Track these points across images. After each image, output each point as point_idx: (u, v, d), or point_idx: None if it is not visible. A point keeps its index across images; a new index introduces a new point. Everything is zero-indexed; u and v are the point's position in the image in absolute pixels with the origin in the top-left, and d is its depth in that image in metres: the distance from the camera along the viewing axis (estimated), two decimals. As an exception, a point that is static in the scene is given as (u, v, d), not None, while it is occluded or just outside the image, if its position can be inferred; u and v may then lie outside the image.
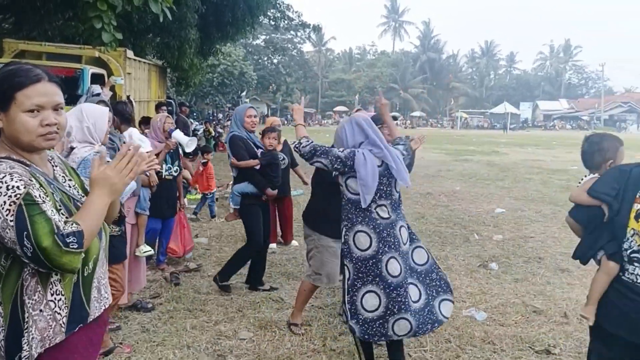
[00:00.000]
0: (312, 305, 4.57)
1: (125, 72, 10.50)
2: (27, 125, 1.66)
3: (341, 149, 3.32)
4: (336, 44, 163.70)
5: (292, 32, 36.83)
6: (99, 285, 1.86)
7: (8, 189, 1.54)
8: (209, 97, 41.74)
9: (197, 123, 19.95)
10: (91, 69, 9.40)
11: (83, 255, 1.64)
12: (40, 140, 1.69)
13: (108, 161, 1.87)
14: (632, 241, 2.31)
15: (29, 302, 1.64)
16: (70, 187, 1.88)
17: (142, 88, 12.54)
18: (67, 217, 1.66)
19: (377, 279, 3.15)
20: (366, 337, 3.22)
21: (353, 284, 3.21)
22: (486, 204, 10.03)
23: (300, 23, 21.49)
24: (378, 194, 3.21)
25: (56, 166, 1.89)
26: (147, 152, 4.91)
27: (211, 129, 17.94)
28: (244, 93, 48.76)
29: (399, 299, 3.13)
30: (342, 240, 3.32)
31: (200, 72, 17.34)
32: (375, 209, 3.22)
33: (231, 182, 8.46)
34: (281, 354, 3.71)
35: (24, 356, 1.64)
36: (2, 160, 1.64)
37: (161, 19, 7.59)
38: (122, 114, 4.84)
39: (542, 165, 17.54)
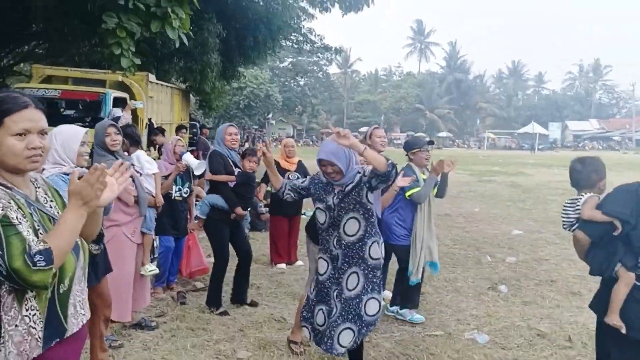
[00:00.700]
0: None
1: (147, 95, 10.83)
2: (14, 148, 1.77)
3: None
4: (362, 66, 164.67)
5: (318, 54, 37.28)
6: (74, 302, 1.94)
7: None
8: (236, 119, 42.42)
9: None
10: (114, 93, 9.75)
11: (54, 271, 1.73)
12: (26, 162, 1.80)
13: None
14: None
15: (5, 318, 1.72)
16: (51, 207, 1.97)
17: (165, 111, 12.88)
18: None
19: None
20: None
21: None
22: (504, 226, 9.91)
23: (322, 46, 21.74)
24: None
25: (39, 187, 1.99)
26: (153, 174, 5.04)
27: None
28: (270, 115, 49.43)
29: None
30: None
31: (222, 95, 17.70)
32: None
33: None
34: (277, 374, 3.74)
35: None
36: None
37: (177, 45, 7.82)
38: (131, 137, 5.01)
39: (567, 187, 16.85)
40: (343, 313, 3.30)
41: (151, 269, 4.69)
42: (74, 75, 10.80)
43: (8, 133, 1.76)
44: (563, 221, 3.07)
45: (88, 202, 1.79)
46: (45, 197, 1.99)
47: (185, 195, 5.46)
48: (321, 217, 3.41)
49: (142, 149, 5.28)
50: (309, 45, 21.32)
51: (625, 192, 2.65)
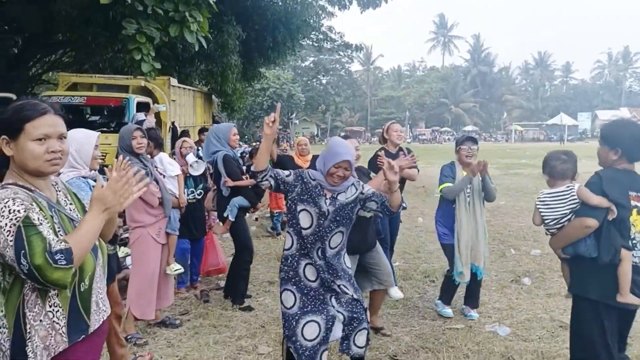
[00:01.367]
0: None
1: (169, 99, 11.00)
2: (35, 152, 1.87)
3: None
4: (385, 62, 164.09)
5: (339, 52, 37.38)
6: (97, 300, 2.04)
7: (10, 213, 1.74)
8: (260, 120, 42.72)
9: (246, 145, 20.49)
10: (137, 98, 9.94)
11: (74, 271, 1.82)
12: (47, 165, 1.90)
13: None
14: (635, 232, 2.86)
15: (29, 314, 1.82)
16: (71, 210, 2.07)
17: (188, 114, 13.05)
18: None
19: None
20: None
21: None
22: (530, 219, 9.73)
23: (342, 44, 21.76)
24: None
25: (59, 191, 2.09)
26: (176, 176, 5.14)
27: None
28: (293, 115, 49.64)
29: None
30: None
31: (244, 96, 17.85)
32: None
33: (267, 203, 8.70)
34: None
35: None
36: (8, 186, 1.86)
37: (196, 48, 7.94)
38: (155, 140, 5.12)
39: (596, 177, 16.86)
40: (355, 315, 3.15)
41: (176, 268, 4.78)
42: (98, 82, 11.04)
43: (29, 138, 1.87)
44: (545, 216, 3.11)
45: (110, 209, 1.90)
46: (65, 200, 2.09)
47: (199, 197, 5.45)
48: (306, 221, 3.10)
49: (164, 151, 5.39)
50: (329, 43, 21.36)
51: (611, 179, 2.87)
